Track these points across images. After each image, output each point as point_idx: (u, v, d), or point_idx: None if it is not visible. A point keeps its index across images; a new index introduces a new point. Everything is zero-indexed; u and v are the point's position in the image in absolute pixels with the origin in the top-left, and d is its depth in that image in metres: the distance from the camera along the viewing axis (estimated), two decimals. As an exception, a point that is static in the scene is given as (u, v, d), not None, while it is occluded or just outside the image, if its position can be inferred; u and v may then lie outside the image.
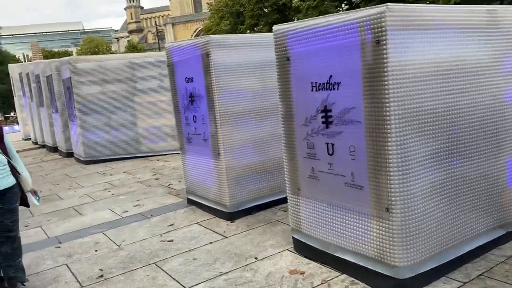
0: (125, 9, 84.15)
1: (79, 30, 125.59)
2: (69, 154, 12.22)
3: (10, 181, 3.44)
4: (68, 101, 11.14)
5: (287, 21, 27.18)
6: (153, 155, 10.51)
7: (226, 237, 4.39)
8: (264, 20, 24.22)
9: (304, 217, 3.63)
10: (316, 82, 3.23)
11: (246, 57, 4.87)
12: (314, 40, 3.16)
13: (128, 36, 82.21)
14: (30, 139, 19.03)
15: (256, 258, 3.81)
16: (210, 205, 5.18)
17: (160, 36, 75.92)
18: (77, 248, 4.62)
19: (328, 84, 3.13)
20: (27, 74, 16.18)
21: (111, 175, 8.72)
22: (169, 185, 7.11)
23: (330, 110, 3.16)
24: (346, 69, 2.96)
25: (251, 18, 24.55)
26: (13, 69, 20.18)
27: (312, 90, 3.27)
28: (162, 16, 79.47)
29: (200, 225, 4.87)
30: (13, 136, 16.24)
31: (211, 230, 4.66)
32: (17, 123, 22.45)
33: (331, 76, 3.10)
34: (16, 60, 54.79)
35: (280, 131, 5.08)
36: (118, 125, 10.46)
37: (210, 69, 4.69)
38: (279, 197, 5.16)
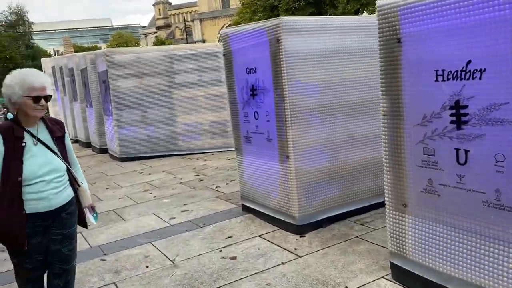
0: (153, 5, 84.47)
1: (107, 26, 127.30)
2: (103, 150, 11.78)
3: (68, 194, 2.59)
4: (103, 95, 10.67)
5: (322, 15, 26.22)
6: (190, 153, 9.92)
7: (299, 256, 3.70)
8: (299, 13, 23.38)
9: (412, 240, 2.91)
10: (444, 70, 2.50)
11: (321, 44, 4.16)
12: (445, 15, 2.43)
13: (155, 32, 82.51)
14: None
15: (346, 287, 3.11)
16: (273, 215, 4.50)
17: (187, 32, 75.93)
18: (124, 262, 4.02)
19: (463, 72, 2.39)
20: (61, 68, 15.89)
21: (149, 174, 8.16)
22: (216, 187, 6.48)
23: (465, 106, 2.42)
24: (495, 52, 2.22)
25: (286, 12, 23.71)
26: (46, 63, 20.02)
27: (436, 80, 2.54)
28: (190, 12, 79.36)
29: (264, 238, 4.20)
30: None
31: (278, 246, 3.98)
32: (49, 118, 22.36)
33: (469, 62, 2.36)
34: (47, 55, 55.60)
35: (359, 131, 4.41)
36: (155, 121, 9.91)
37: (280, 57, 4.00)
38: (353, 208, 4.45)
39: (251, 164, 4.84)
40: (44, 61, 21.17)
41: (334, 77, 4.20)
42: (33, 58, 51.73)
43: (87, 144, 13.62)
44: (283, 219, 4.33)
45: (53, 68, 17.76)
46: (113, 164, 9.81)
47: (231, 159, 8.73)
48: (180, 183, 7.09)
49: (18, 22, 51.43)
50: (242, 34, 4.61)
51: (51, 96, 2.50)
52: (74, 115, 14.74)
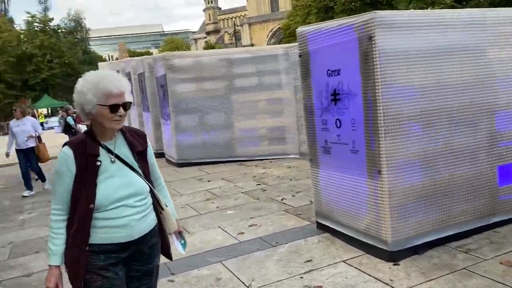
0: (204, 10, 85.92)
1: (159, 32, 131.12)
2: (159, 155, 11.66)
3: (152, 219, 2.16)
4: (161, 99, 10.54)
5: None
6: (248, 159, 9.54)
7: (398, 290, 3.16)
8: (356, 14, 22.58)
9: None
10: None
11: (419, 42, 3.60)
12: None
13: (205, 37, 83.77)
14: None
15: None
16: (358, 238, 3.97)
17: (236, 36, 76.61)
18: (195, 285, 3.65)
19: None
20: (117, 72, 16.10)
21: (209, 181, 7.84)
22: (282, 199, 6.03)
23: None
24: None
25: (342, 13, 22.96)
26: (103, 68, 20.53)
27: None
28: (239, 17, 79.93)
29: (350, 265, 3.69)
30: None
31: (369, 275, 3.45)
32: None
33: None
34: (103, 60, 57.74)
35: (463, 141, 3.81)
36: (213, 126, 9.63)
37: (373, 56, 3.48)
38: (453, 232, 3.84)
39: (330, 178, 4.33)
40: (100, 65, 21.71)
41: (431, 80, 3.62)
42: (89, 63, 53.89)
43: (143, 148, 13.62)
44: (371, 243, 3.79)
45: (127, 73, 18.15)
46: (170, 170, 9.62)
47: (292, 167, 8.27)
48: (242, 192, 6.70)
49: (76, 28, 53.78)
50: (323, 32, 4.12)
51: (130, 103, 2.06)
52: (131, 120, 14.85)
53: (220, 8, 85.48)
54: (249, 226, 5.02)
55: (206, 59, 9.57)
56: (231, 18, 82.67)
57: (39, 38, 43.89)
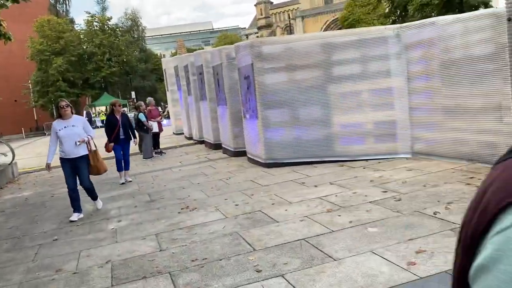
0: (255, 5, 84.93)
1: (209, 29, 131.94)
2: (238, 153, 10.70)
3: None
4: (245, 92, 9.49)
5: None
6: (350, 159, 8.28)
7: None
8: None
9: None
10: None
11: None
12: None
13: (257, 32, 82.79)
14: (182, 133, 18.48)
15: None
16: None
17: (288, 31, 75.07)
18: None
19: None
20: (185, 67, 15.32)
21: (315, 186, 6.68)
22: (434, 213, 4.73)
23: None
24: None
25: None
26: (167, 63, 19.85)
27: None
28: (292, 10, 78.25)
29: None
30: (165, 130, 15.54)
31: None
32: (168, 117, 22.33)
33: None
34: (158, 58, 58.24)
35: None
36: (307, 121, 8.46)
37: None
38: None
39: None
40: (165, 61, 21.15)
41: None
42: (146, 61, 54.46)
43: (216, 146, 12.74)
44: None
45: (175, 67, 17.40)
46: (258, 171, 8.56)
47: (413, 169, 6.93)
48: (370, 202, 5.47)
49: (132, 27, 54.48)
50: None
51: None
52: (201, 115, 14.00)
53: (271, 2, 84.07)
54: (416, 252, 3.79)
55: (299, 44, 8.40)
56: (283, 12, 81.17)
57: (99, 37, 44.62)
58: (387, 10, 29.29)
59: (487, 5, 22.40)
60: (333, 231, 4.60)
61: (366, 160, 8.15)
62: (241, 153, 10.76)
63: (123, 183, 9.04)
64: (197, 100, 14.44)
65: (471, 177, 5.96)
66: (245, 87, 9.43)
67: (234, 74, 10.60)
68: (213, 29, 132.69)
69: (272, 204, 5.99)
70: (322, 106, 8.38)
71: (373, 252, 3.90)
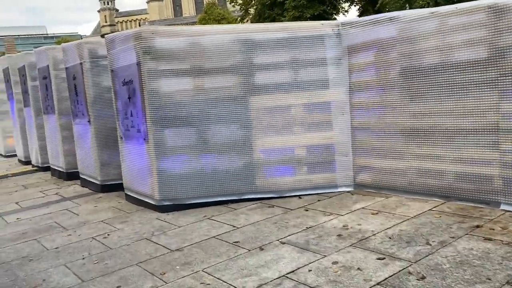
0: (98, 11, 78.16)
1: (43, 34, 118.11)
2: (108, 188, 7.82)
3: None
4: (124, 104, 6.66)
5: (336, 12, 23.33)
6: (277, 196, 6.21)
7: None
8: (309, 12, 20.09)
9: None
10: None
11: None
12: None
13: (101, 40, 76.25)
14: (14, 155, 14.07)
15: None
16: None
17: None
18: None
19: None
20: (21, 69, 11.40)
21: (261, 249, 4.36)
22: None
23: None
24: None
25: (294, 9, 20.16)
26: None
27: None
28: (140, 20, 74.11)
29: None
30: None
31: None
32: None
33: None
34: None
35: None
36: (220, 146, 6.12)
37: None
38: None
39: None
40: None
41: None
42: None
43: (70, 175, 9.38)
44: None
45: (5, 70, 13.09)
46: (152, 219, 5.88)
47: (381, 212, 5.16)
48: (378, 284, 3.39)
49: None
50: None
51: None
52: (46, 134, 10.35)
53: (117, 10, 78.53)
54: None
55: (210, 39, 6.01)
56: (130, 21, 76.48)
57: None
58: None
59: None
60: None
61: (299, 196, 6.17)
62: (113, 187, 7.79)
63: None
64: (38, 113, 10.75)
65: (476, 226, 4.39)
66: (125, 97, 6.61)
67: (103, 78, 7.64)
68: (47, 34, 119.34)
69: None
70: (240, 125, 6.13)
71: None
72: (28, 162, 12.29)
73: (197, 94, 6.03)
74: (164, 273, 4.00)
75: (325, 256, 4.03)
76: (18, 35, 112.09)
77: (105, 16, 76.34)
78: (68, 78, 8.55)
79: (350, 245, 4.23)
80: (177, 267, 4.13)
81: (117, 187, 7.68)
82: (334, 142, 6.27)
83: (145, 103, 6.03)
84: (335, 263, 3.86)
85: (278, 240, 4.56)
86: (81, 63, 7.79)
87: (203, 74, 6.01)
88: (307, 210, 5.53)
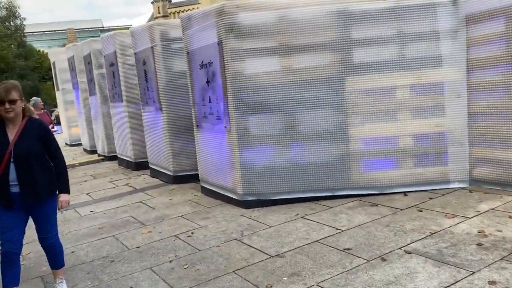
0: (152, 3, 79.55)
1: (99, 27, 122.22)
2: (181, 179, 7.30)
3: None
4: (202, 89, 6.06)
5: None
6: (376, 193, 5.37)
7: None
8: None
9: None
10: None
11: None
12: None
13: (155, 32, 77.57)
14: (79, 144, 14.07)
15: None
16: None
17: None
18: None
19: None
20: (87, 57, 11.17)
21: (383, 260, 3.58)
22: None
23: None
24: None
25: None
26: (58, 55, 15.12)
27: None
28: (192, 10, 74.69)
29: None
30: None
31: None
32: (58, 123, 17.40)
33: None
34: (41, 55, 50.46)
35: None
36: (308, 134, 5.35)
37: None
38: None
39: None
40: (54, 52, 16.28)
41: None
42: (26, 57, 46.68)
43: (138, 165, 9.02)
44: None
45: (70, 59, 13.00)
46: (236, 215, 5.27)
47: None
48: None
49: (8, 17, 46.29)
50: None
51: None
52: (113, 123, 10.05)
53: (170, 1, 79.44)
54: None
55: (301, 12, 5.23)
56: (182, 11, 77.13)
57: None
58: None
59: None
60: None
61: (405, 193, 5.30)
62: (186, 179, 7.28)
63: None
64: (105, 101, 10.49)
65: None
66: (202, 81, 6.00)
67: (175, 62, 7.10)
68: (103, 27, 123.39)
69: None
70: (335, 111, 5.32)
71: None
72: (93, 151, 12.18)
73: (285, 75, 5.29)
74: (271, 287, 3.33)
75: (474, 272, 3.19)
76: (77, 29, 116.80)
77: (158, 7, 77.49)
78: (137, 63, 8.10)
79: (501, 258, 3.36)
80: (284, 278, 3.45)
81: (190, 178, 7.17)
82: (446, 130, 5.32)
83: (227, 87, 5.38)
84: (492, 283, 3.01)
85: (400, 248, 3.76)
86: (152, 47, 7.27)
87: (293, 52, 5.25)
88: (421, 211, 4.67)
